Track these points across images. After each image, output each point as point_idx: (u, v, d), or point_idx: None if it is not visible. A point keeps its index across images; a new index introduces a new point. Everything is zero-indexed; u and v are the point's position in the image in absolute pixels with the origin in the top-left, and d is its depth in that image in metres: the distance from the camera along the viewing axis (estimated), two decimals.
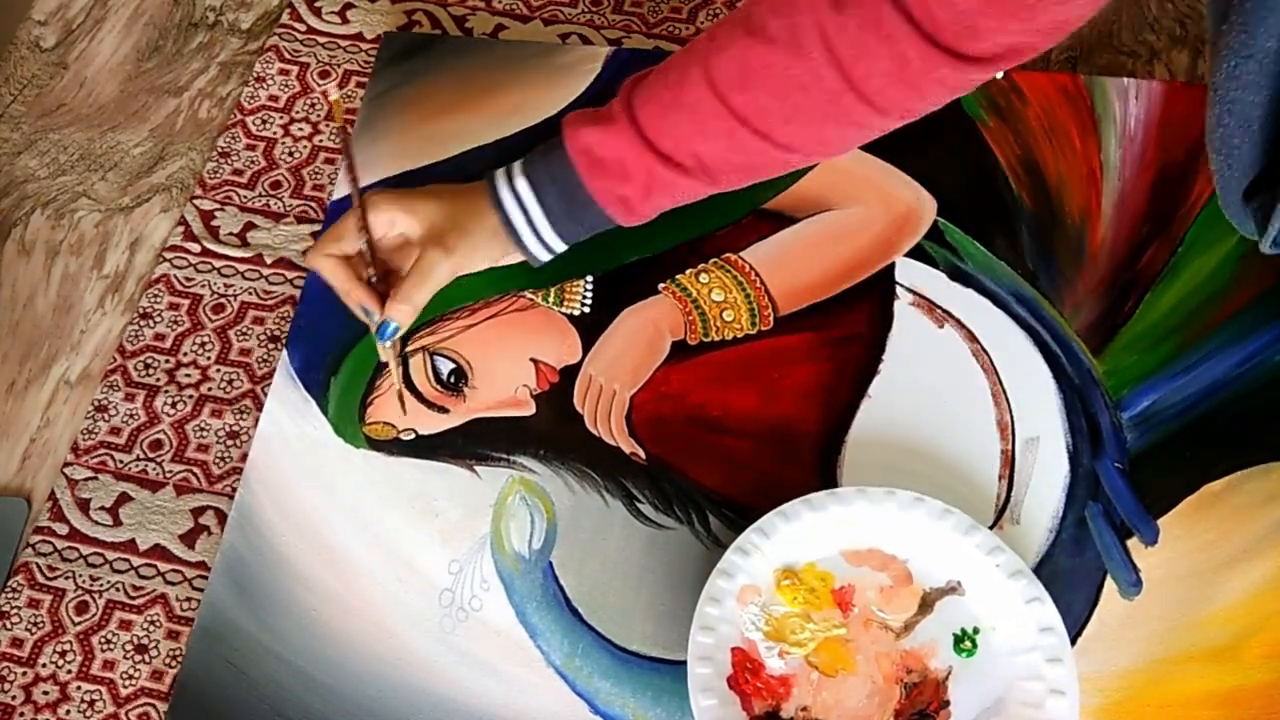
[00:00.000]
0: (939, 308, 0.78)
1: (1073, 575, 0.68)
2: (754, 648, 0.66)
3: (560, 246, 0.72)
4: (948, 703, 0.65)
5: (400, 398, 0.75)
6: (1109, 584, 0.68)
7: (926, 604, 0.67)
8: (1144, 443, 0.72)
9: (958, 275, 0.79)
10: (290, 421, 0.76)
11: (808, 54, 0.62)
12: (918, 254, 0.80)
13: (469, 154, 0.86)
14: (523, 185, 0.69)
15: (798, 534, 0.68)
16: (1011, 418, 0.74)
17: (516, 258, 0.73)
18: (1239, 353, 0.74)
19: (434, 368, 0.77)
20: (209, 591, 0.71)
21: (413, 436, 0.75)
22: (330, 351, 0.78)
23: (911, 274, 0.79)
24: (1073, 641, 0.66)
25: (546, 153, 0.69)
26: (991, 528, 0.70)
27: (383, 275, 0.71)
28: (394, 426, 0.76)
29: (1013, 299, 0.77)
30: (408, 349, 0.78)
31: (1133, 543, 0.69)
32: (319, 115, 0.91)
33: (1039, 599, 0.65)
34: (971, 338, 0.76)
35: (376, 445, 0.75)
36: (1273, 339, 0.74)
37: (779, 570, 0.68)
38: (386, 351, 0.72)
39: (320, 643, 0.69)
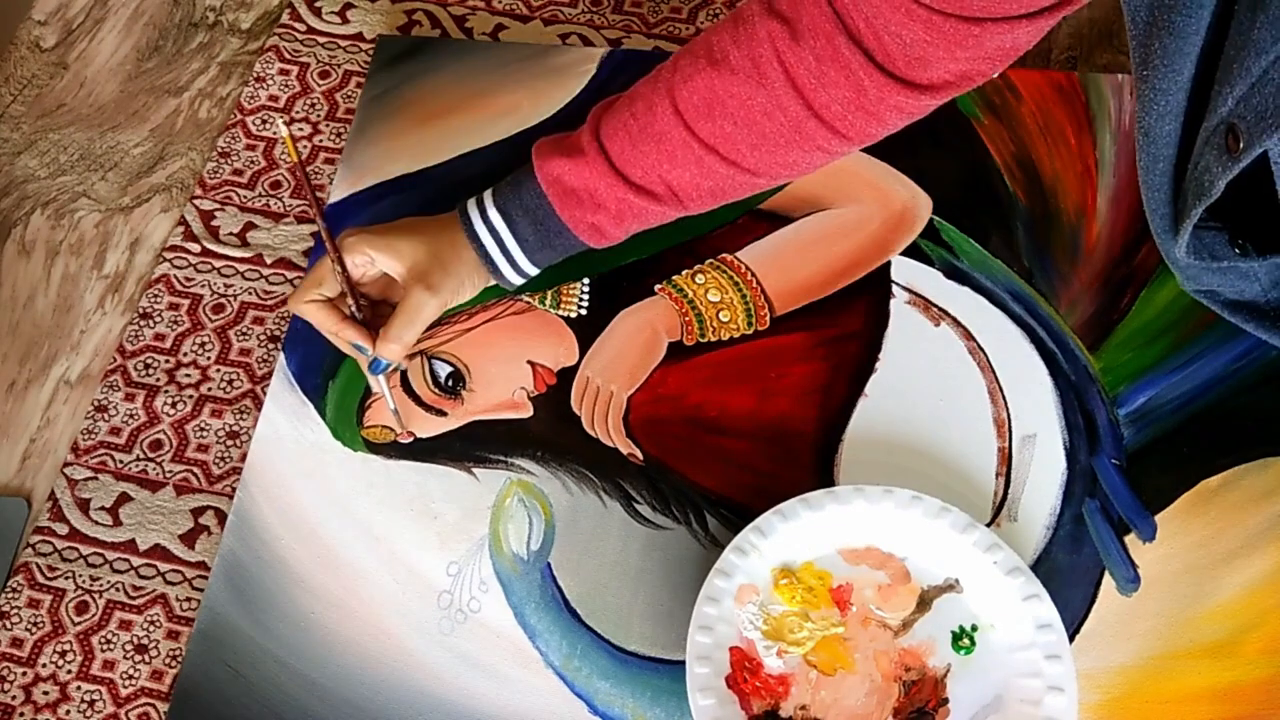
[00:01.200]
0: (935, 306, 0.78)
1: (1070, 572, 0.69)
2: (752, 647, 0.67)
3: (533, 271, 0.74)
4: (946, 700, 0.65)
5: (396, 415, 0.75)
6: (1107, 580, 0.68)
7: (924, 602, 0.67)
8: (1141, 439, 0.72)
9: (953, 273, 0.79)
10: (288, 425, 0.76)
11: (770, 84, 0.64)
12: (913, 252, 0.80)
13: (464, 157, 0.86)
14: (495, 217, 0.71)
15: (795, 533, 0.68)
16: (1008, 415, 0.74)
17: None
18: (1235, 348, 0.74)
19: (431, 371, 0.77)
20: (208, 595, 0.71)
21: (411, 440, 0.76)
22: (328, 355, 0.78)
23: (907, 272, 0.79)
24: (1071, 638, 0.66)
25: (516, 183, 0.71)
26: (989, 525, 0.70)
27: (370, 305, 0.73)
28: (392, 430, 0.76)
29: (1009, 296, 0.77)
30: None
31: (1130, 539, 0.69)
32: (319, 115, 0.91)
33: (1037, 596, 0.65)
34: (968, 335, 0.77)
35: (374, 448, 0.76)
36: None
37: (777, 569, 0.68)
38: (380, 384, 0.73)
39: (319, 645, 0.69)
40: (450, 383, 0.77)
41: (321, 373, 0.78)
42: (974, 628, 0.66)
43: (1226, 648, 0.66)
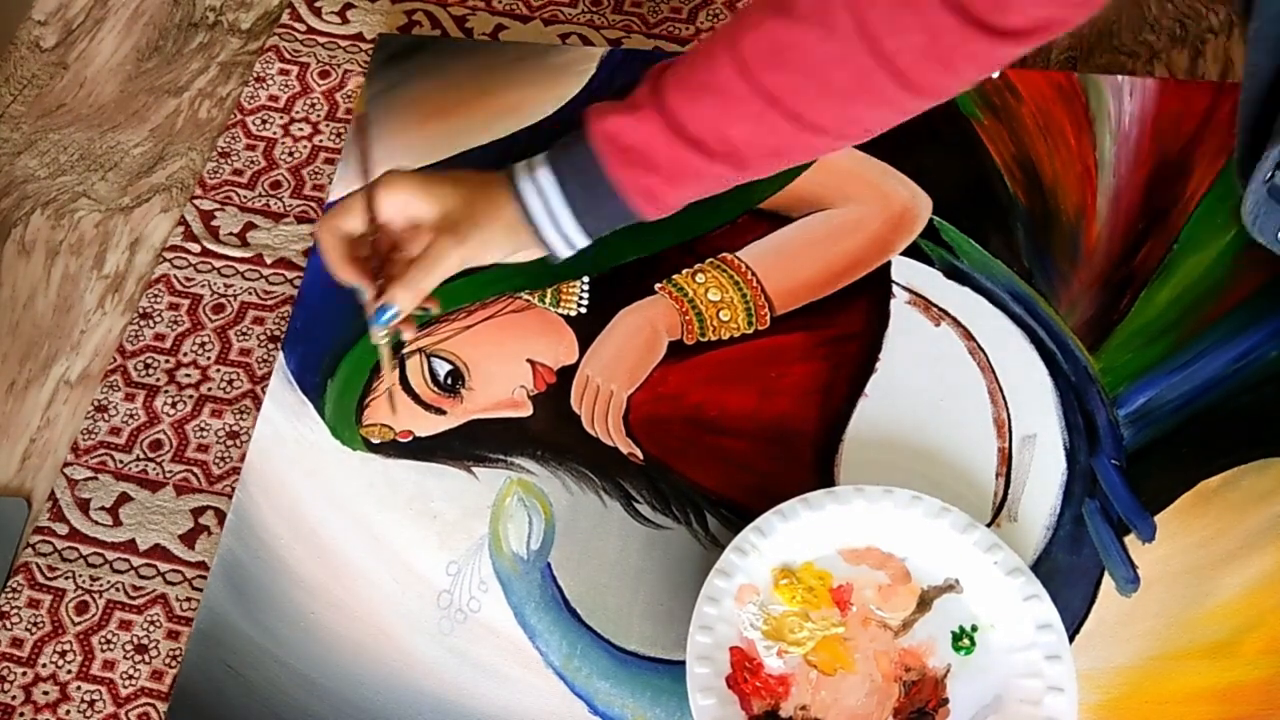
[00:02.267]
0: (935, 306, 0.78)
1: (1070, 572, 0.69)
2: (752, 647, 0.66)
3: (582, 241, 0.68)
4: (946, 700, 0.65)
5: (390, 397, 0.74)
6: (1107, 581, 0.68)
7: (925, 602, 0.67)
8: (1141, 439, 0.72)
9: (954, 273, 0.79)
10: (287, 424, 0.76)
11: (837, 31, 0.60)
12: (914, 252, 0.80)
13: (464, 155, 0.86)
14: (544, 174, 0.67)
15: (795, 533, 0.68)
16: (1008, 415, 0.74)
17: (526, 255, 0.70)
18: (1235, 349, 0.74)
19: (431, 369, 0.77)
20: (207, 595, 0.71)
21: (410, 439, 0.76)
22: (327, 353, 0.78)
23: (908, 272, 0.79)
24: (1071, 639, 0.66)
25: (570, 143, 0.66)
26: (989, 525, 0.70)
27: (383, 259, 0.68)
28: (391, 428, 0.76)
29: (1009, 297, 0.77)
30: (405, 350, 0.78)
31: (1130, 539, 0.69)
32: (319, 115, 0.91)
33: (1037, 596, 0.65)
34: (968, 336, 0.77)
35: (374, 447, 0.76)
36: (1268, 334, 0.74)
37: (777, 569, 0.68)
38: (379, 335, 0.68)
39: (319, 645, 0.69)
40: (450, 381, 0.77)
41: (320, 372, 0.78)
42: (974, 628, 0.66)
43: (1226, 648, 0.66)
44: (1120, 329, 0.76)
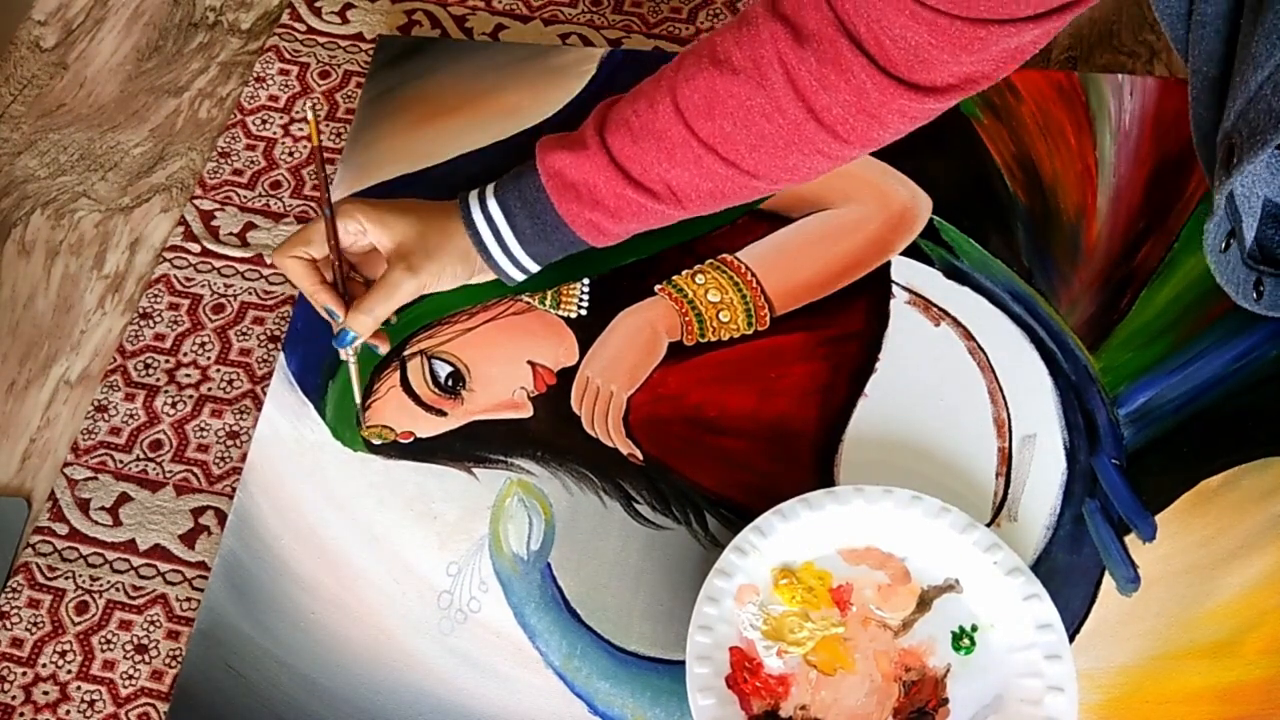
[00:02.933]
0: (935, 306, 0.78)
1: (1070, 572, 0.69)
2: (752, 647, 0.66)
3: (533, 267, 0.73)
4: (946, 700, 0.65)
5: (362, 405, 0.76)
6: (1107, 581, 0.68)
7: (924, 602, 0.67)
8: (1141, 439, 0.72)
9: (954, 273, 0.79)
10: (288, 425, 0.76)
11: (770, 85, 0.64)
12: (913, 252, 0.80)
13: (464, 157, 0.86)
14: (494, 206, 0.71)
15: (795, 533, 0.68)
16: (1008, 415, 0.74)
17: (487, 276, 0.74)
18: (1235, 348, 0.74)
19: (432, 371, 0.77)
20: (208, 595, 0.71)
21: (410, 440, 0.76)
22: (328, 355, 0.78)
23: (907, 272, 0.79)
24: (1071, 638, 0.66)
25: (518, 175, 0.71)
26: (989, 525, 0.70)
27: (347, 278, 0.72)
28: (392, 429, 0.76)
29: (1009, 296, 0.77)
30: (406, 352, 0.78)
31: (1130, 539, 0.69)
32: (319, 115, 0.91)
33: (1037, 596, 0.65)
34: (968, 335, 0.77)
35: (374, 448, 0.76)
36: (1268, 334, 0.74)
37: (777, 569, 0.68)
38: (346, 355, 0.73)
39: (319, 645, 0.69)
40: (450, 383, 0.77)
41: (321, 372, 0.78)
42: (974, 628, 0.66)
43: (1227, 648, 0.66)
44: (1120, 328, 0.76)
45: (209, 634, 0.70)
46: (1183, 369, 0.74)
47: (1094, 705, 0.65)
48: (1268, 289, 0.61)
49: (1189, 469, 0.71)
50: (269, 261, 0.84)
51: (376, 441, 0.76)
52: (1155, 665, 0.66)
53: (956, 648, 0.66)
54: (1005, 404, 0.74)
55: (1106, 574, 0.68)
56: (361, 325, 0.70)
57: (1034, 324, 0.76)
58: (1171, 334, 0.75)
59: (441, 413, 0.76)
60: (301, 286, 0.71)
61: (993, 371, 0.75)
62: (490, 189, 0.72)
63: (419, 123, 0.88)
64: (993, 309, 0.77)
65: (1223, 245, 0.60)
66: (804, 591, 0.68)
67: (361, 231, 0.71)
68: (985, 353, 0.76)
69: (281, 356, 0.79)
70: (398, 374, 0.77)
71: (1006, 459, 0.72)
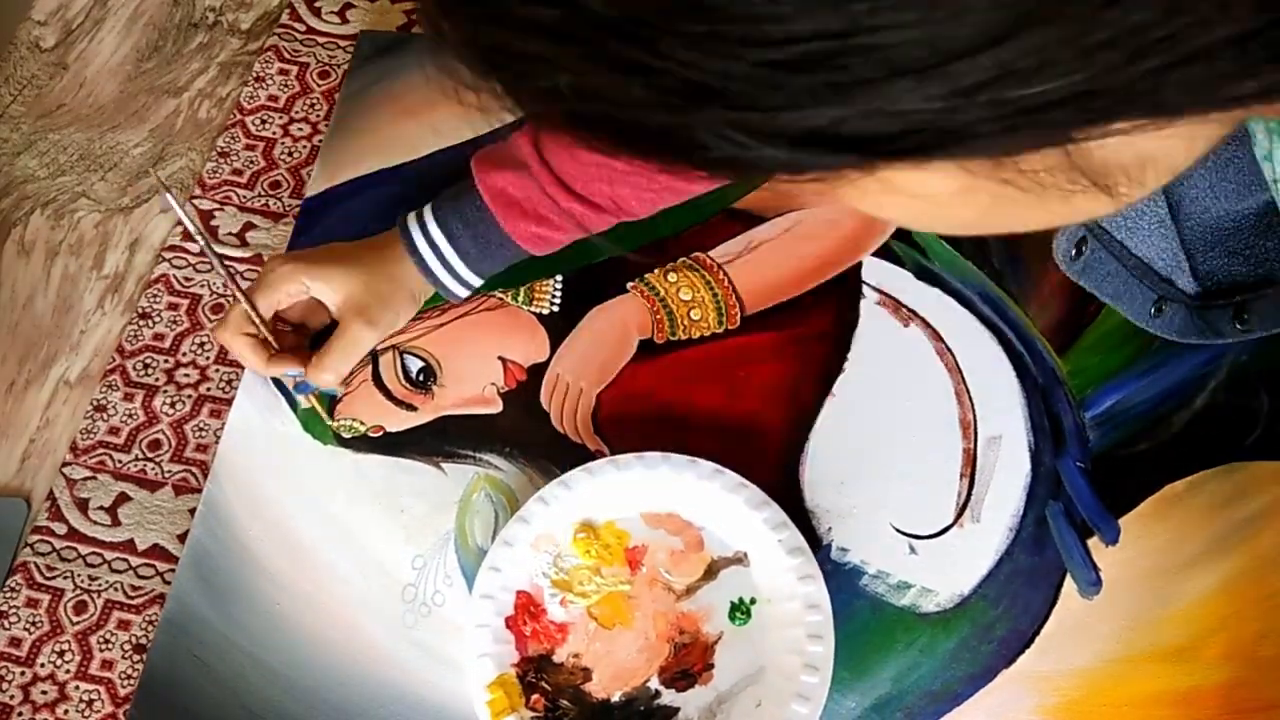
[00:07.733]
0: (905, 307, 0.78)
1: (1032, 574, 0.69)
2: (540, 593, 0.69)
3: (477, 282, 0.74)
4: (712, 665, 0.67)
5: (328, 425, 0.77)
6: (1068, 583, 0.68)
7: (712, 571, 0.69)
8: (1106, 442, 0.72)
9: (924, 274, 0.79)
10: (259, 418, 0.77)
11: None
12: (885, 253, 0.80)
13: (443, 152, 0.86)
14: (435, 230, 0.72)
15: (600, 491, 0.70)
16: (974, 416, 0.74)
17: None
18: (1202, 354, 0.73)
19: (403, 366, 0.78)
20: (175, 585, 0.72)
21: (380, 434, 0.76)
22: None
23: (878, 273, 0.79)
24: (1031, 640, 0.66)
25: (456, 197, 0.71)
26: (952, 525, 0.70)
27: (291, 330, 0.74)
28: (362, 423, 0.76)
29: (978, 298, 0.77)
30: (379, 347, 0.78)
31: (1093, 542, 0.69)
32: (318, 115, 0.91)
33: (812, 577, 0.66)
34: (936, 336, 0.77)
35: (344, 441, 0.76)
36: (1236, 340, 0.73)
37: (578, 524, 0.70)
38: (310, 399, 0.75)
39: (284, 636, 0.70)
40: (421, 377, 0.78)
41: None
42: (753, 600, 0.68)
43: (1187, 652, 0.66)
44: (1089, 332, 0.76)
45: (175, 623, 0.70)
46: (1150, 373, 0.73)
47: (1051, 708, 0.65)
48: (1088, 250, 0.63)
49: (1154, 473, 0.71)
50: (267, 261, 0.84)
51: (347, 435, 0.76)
52: (1114, 668, 0.66)
53: (733, 618, 0.68)
54: (972, 405, 0.74)
55: (1068, 576, 0.68)
56: (326, 382, 0.73)
57: (1003, 326, 0.76)
58: (1139, 339, 0.74)
59: (412, 407, 0.77)
60: (252, 365, 0.72)
61: (960, 373, 0.75)
62: (429, 212, 0.72)
63: (398, 118, 0.88)
64: (962, 310, 0.77)
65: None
66: (600, 547, 0.70)
67: (304, 290, 0.72)
68: (954, 354, 0.76)
69: None
70: (370, 368, 0.78)
71: (971, 460, 0.72)
